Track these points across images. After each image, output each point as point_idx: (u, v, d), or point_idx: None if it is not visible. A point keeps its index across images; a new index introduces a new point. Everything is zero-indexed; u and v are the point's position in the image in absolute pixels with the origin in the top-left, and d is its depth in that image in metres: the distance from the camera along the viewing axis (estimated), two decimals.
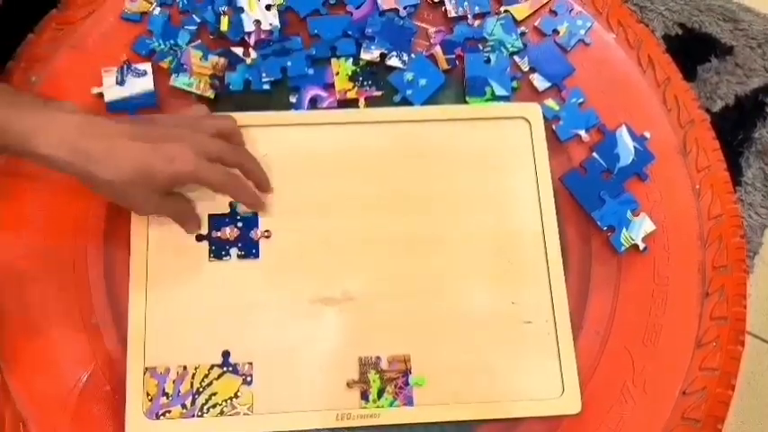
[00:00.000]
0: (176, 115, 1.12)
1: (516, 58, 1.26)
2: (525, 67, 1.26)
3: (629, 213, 1.17)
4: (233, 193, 1.11)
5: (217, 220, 1.13)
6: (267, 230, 1.13)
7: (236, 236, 1.13)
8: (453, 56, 1.25)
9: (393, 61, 1.24)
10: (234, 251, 1.12)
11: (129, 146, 1.01)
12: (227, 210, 1.14)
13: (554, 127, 1.22)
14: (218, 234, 1.13)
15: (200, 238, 1.12)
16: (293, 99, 1.21)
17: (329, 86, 1.22)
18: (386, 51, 1.24)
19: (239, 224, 1.13)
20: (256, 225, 1.13)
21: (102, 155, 0.99)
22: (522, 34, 1.27)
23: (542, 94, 1.25)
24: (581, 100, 1.24)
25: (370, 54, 1.24)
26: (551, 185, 1.17)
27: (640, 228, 1.17)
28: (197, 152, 1.03)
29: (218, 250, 1.12)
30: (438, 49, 1.25)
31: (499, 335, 1.11)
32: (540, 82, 1.25)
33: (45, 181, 1.14)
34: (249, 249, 1.12)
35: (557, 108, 1.24)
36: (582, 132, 1.22)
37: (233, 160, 1.09)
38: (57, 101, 1.06)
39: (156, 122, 1.08)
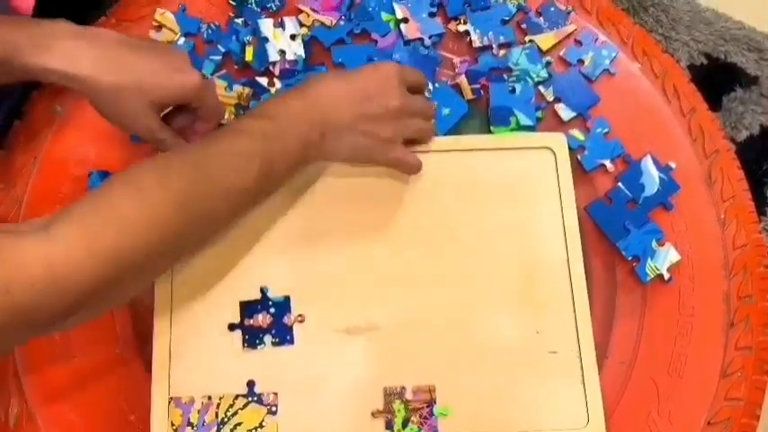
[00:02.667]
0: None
1: (541, 87, 1.26)
2: (550, 97, 1.26)
3: (654, 243, 1.17)
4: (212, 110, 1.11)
5: (248, 308, 1.11)
6: (300, 315, 1.11)
7: (269, 323, 1.11)
8: (478, 86, 1.25)
9: None
10: (268, 338, 1.10)
11: (132, 53, 1.02)
12: (258, 295, 1.12)
13: (579, 157, 1.22)
14: (251, 322, 1.11)
15: (232, 327, 1.10)
16: None
17: None
18: None
19: (272, 310, 1.11)
20: (289, 310, 1.11)
21: (105, 61, 1.00)
22: (548, 64, 1.27)
23: (567, 124, 1.24)
24: (606, 130, 1.24)
25: None
26: (576, 215, 1.17)
27: (665, 258, 1.17)
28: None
29: (252, 339, 1.10)
30: (463, 79, 1.26)
31: (524, 365, 1.10)
32: (565, 112, 1.25)
33: None
34: (283, 335, 1.10)
35: (582, 138, 1.24)
36: (607, 162, 1.22)
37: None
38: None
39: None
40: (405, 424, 1.07)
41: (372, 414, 1.07)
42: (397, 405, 1.07)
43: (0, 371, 1.09)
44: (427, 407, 1.07)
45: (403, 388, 1.08)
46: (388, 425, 1.07)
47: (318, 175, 1.17)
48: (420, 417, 1.07)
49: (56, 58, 0.99)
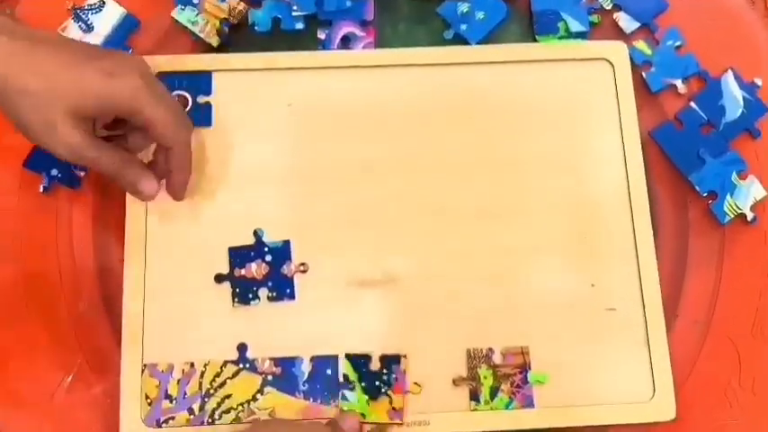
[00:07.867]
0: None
1: None
2: (608, 5, 1.13)
3: (734, 176, 1.06)
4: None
5: (239, 255, 1.02)
6: (303, 264, 1.02)
7: (264, 273, 1.01)
8: None
9: None
10: (263, 292, 1.00)
11: (56, 52, 0.89)
12: (251, 240, 1.02)
13: (644, 74, 1.10)
14: (243, 272, 1.01)
15: (219, 278, 1.01)
16: (322, 35, 1.11)
17: (367, 24, 1.12)
18: None
19: (268, 258, 1.02)
20: (289, 258, 1.02)
21: (23, 58, 0.88)
22: None
23: (630, 37, 1.13)
24: (678, 43, 1.12)
25: None
26: (639, 142, 1.06)
27: (748, 193, 1.06)
28: (143, 75, 0.90)
29: (244, 293, 1.00)
30: None
31: (575, 325, 1.00)
32: (626, 22, 1.13)
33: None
34: (282, 289, 1.01)
35: (648, 52, 1.12)
36: (678, 82, 1.11)
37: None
38: None
39: None
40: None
41: None
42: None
43: None
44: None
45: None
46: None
47: (321, 95, 1.08)
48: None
49: None
